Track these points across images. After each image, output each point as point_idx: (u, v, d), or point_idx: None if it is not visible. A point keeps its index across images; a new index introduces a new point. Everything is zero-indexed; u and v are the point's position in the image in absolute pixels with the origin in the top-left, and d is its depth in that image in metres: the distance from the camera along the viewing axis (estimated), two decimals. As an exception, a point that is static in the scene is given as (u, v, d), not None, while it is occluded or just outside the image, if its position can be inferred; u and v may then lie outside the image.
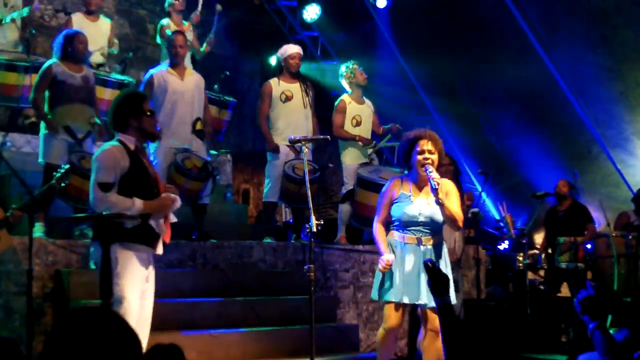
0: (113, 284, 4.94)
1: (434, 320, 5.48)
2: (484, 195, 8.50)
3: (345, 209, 8.54)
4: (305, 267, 5.46)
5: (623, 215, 9.48)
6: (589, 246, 8.79)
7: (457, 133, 12.46)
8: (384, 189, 5.88)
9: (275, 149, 8.31)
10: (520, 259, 9.11)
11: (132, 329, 2.15)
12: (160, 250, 5.26)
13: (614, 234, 8.40)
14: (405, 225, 5.70)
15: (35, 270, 6.16)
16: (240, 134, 12.91)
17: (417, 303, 5.68)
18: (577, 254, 8.65)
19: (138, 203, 4.99)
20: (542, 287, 9.31)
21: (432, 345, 5.70)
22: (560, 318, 8.81)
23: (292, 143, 6.47)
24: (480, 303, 7.93)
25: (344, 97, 8.72)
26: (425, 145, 5.62)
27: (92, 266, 5.30)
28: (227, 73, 10.03)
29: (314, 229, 5.44)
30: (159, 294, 6.77)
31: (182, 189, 7.67)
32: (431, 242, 5.71)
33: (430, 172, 5.52)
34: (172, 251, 7.33)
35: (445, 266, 5.76)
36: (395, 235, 5.77)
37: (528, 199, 10.67)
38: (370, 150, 8.67)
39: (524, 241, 9.51)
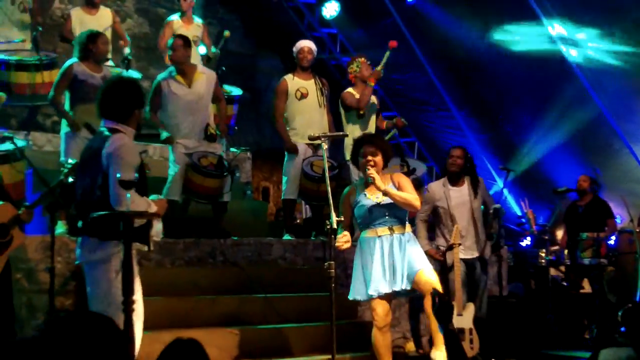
0: (113, 287, 4.75)
1: (426, 283, 5.78)
2: (505, 191, 8.44)
3: None
4: (325, 264, 5.46)
5: (646, 211, 9.40)
6: (611, 242, 8.73)
7: (477, 129, 12.42)
8: (341, 197, 6.18)
9: (293, 150, 8.27)
10: (543, 255, 9.06)
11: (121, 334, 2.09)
12: (152, 245, 5.01)
13: (637, 230, 8.33)
14: (373, 219, 5.99)
15: (57, 268, 6.19)
16: (259, 131, 12.92)
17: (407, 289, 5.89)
18: (599, 250, 8.59)
19: (153, 205, 4.85)
20: (564, 284, 9.26)
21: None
22: (583, 314, 8.76)
23: (312, 140, 6.47)
24: (502, 299, 7.89)
25: (350, 89, 8.67)
26: (367, 148, 6.04)
27: (79, 261, 5.05)
28: (224, 69, 9.91)
29: (334, 226, 5.44)
30: (179, 291, 6.82)
31: (201, 187, 7.69)
32: (402, 230, 6.02)
33: (369, 171, 5.93)
34: (192, 249, 7.35)
35: (419, 253, 6.05)
36: (367, 233, 6.03)
37: (550, 195, 10.62)
38: None
39: (546, 237, 9.46)
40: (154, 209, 4.86)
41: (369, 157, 5.98)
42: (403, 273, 5.86)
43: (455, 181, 7.50)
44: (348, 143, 8.54)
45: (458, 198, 7.45)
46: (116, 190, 4.69)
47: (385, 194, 5.90)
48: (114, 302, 4.68)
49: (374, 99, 8.79)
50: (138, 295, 4.97)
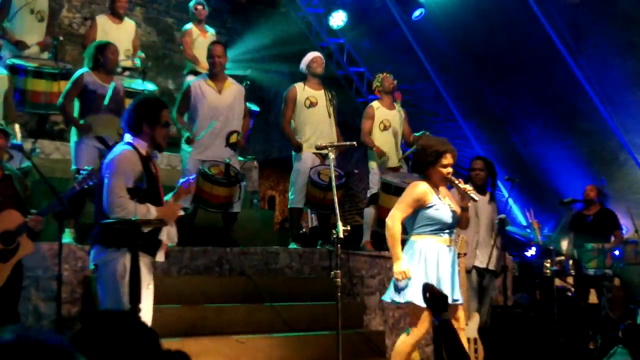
0: (121, 288, 4.89)
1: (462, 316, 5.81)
2: (510, 201, 8.47)
3: (370, 213, 8.55)
4: (331, 273, 5.48)
5: (652, 222, 9.40)
6: (617, 253, 8.74)
7: (484, 140, 12.43)
8: (416, 191, 5.80)
9: (299, 147, 8.33)
10: (548, 265, 9.06)
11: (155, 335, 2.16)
12: (161, 257, 5.21)
13: (642, 241, 8.34)
14: (443, 229, 5.77)
15: (65, 276, 6.22)
16: (266, 141, 12.96)
17: (456, 301, 5.77)
18: (605, 261, 8.60)
19: (152, 210, 4.95)
20: (569, 294, 9.26)
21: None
22: (588, 325, 8.76)
23: (319, 149, 6.50)
24: (508, 310, 7.90)
25: (373, 103, 8.82)
26: (450, 159, 5.78)
27: (92, 267, 5.19)
28: (248, 83, 10.03)
29: (341, 235, 5.46)
30: (187, 300, 6.84)
31: (210, 195, 7.73)
32: (455, 244, 5.91)
33: (460, 184, 5.76)
34: (199, 257, 7.38)
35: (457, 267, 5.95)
36: (431, 239, 5.76)
37: (555, 206, 10.62)
38: (399, 157, 8.73)
39: (551, 248, 9.47)
40: (153, 215, 4.96)
41: (450, 169, 5.79)
42: (454, 287, 5.76)
43: (478, 191, 7.49)
44: (375, 153, 8.61)
45: (482, 207, 7.49)
46: (109, 197, 4.89)
47: (464, 209, 5.85)
48: (121, 305, 4.79)
49: (402, 112, 8.87)
50: (147, 304, 5.07)
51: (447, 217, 5.75)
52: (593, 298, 9.13)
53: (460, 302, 5.84)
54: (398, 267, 5.63)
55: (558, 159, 11.44)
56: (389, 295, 5.83)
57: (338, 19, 12.49)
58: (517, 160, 11.95)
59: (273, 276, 7.67)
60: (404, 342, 5.79)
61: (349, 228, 5.58)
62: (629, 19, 9.72)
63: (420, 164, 5.86)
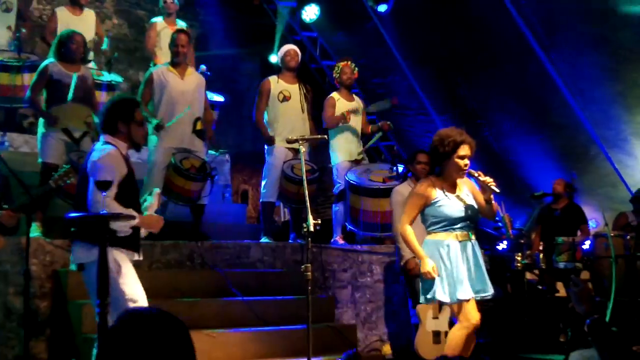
0: (120, 284, 4.93)
1: (476, 314, 5.73)
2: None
3: (339, 210, 8.54)
4: (302, 266, 5.47)
5: (621, 216, 9.47)
6: (586, 246, 8.79)
7: (456, 133, 12.42)
8: (417, 191, 5.82)
9: (271, 141, 8.31)
10: (519, 259, 9.10)
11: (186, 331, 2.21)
12: (141, 255, 5.26)
13: (612, 235, 8.38)
14: (454, 223, 5.74)
15: (33, 270, 6.17)
16: (239, 134, 12.90)
17: (486, 296, 5.78)
18: (575, 254, 8.64)
19: (137, 217, 4.98)
20: (540, 287, 9.30)
21: (471, 338, 5.80)
22: (559, 318, 8.80)
23: (290, 143, 6.47)
24: (479, 303, 7.92)
25: (333, 94, 8.79)
26: (468, 150, 5.75)
27: (73, 267, 5.18)
28: (209, 73, 9.87)
29: (312, 229, 5.45)
30: (158, 294, 6.79)
31: (182, 189, 7.70)
32: (475, 235, 5.86)
33: (479, 176, 5.75)
34: (171, 251, 7.34)
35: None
36: (444, 235, 5.75)
37: (527, 199, 10.67)
38: (360, 149, 8.73)
39: (523, 241, 9.50)
40: (136, 221, 4.98)
41: (467, 162, 5.76)
42: (474, 280, 5.73)
43: None
44: (336, 146, 8.61)
45: None
46: (92, 195, 4.86)
47: (489, 201, 5.81)
48: (114, 300, 4.83)
49: (360, 102, 8.88)
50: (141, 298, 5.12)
51: (455, 212, 5.71)
52: (563, 291, 9.18)
53: (488, 295, 5.82)
54: (423, 268, 5.63)
55: (530, 153, 11.48)
56: (421, 298, 5.84)
57: (311, 12, 12.44)
58: (490, 154, 11.97)
59: (245, 270, 7.64)
60: (459, 335, 5.75)
61: (319, 222, 5.58)
62: (601, 14, 9.76)
63: (437, 154, 5.82)
